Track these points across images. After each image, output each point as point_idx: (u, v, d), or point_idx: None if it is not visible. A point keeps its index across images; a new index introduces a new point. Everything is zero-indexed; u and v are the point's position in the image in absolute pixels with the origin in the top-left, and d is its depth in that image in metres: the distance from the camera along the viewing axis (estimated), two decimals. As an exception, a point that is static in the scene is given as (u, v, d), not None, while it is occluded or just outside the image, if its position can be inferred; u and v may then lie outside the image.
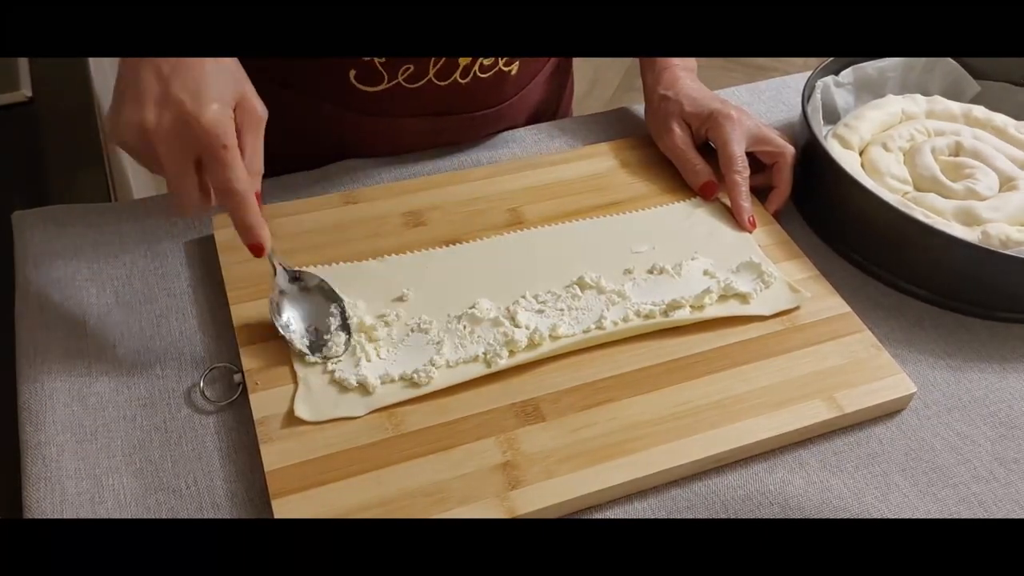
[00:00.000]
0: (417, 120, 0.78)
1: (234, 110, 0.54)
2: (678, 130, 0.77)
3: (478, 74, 0.76)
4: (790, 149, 0.76)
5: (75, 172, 0.86)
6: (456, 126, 0.80)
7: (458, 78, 0.75)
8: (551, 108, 0.91)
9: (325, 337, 0.61)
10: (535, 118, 0.88)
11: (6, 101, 0.89)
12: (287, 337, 0.61)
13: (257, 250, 0.56)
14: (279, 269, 0.62)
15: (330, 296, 0.63)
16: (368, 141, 0.79)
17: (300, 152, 0.78)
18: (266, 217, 0.56)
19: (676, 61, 0.80)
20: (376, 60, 0.72)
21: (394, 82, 0.74)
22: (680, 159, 0.77)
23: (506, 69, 0.78)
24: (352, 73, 0.73)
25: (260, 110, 0.55)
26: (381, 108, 0.76)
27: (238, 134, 0.53)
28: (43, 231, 0.70)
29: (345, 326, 0.62)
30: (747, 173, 0.75)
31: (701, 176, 0.76)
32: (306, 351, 0.60)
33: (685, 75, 0.79)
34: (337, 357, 0.60)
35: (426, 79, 0.74)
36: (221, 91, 0.52)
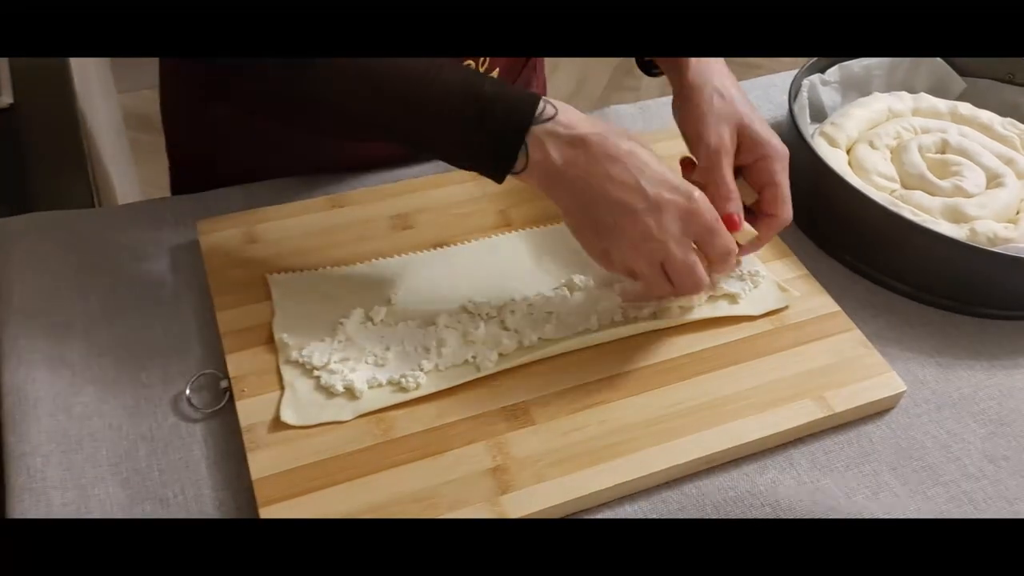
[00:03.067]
0: None
1: None
2: (727, 141, 0.64)
3: None
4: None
5: (58, 179, 0.85)
6: None
7: None
8: None
9: None
10: None
11: (-12, 107, 0.88)
12: None
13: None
14: None
15: None
16: (352, 160, 0.78)
17: (283, 172, 0.77)
18: None
19: None
20: None
21: None
22: (716, 175, 0.63)
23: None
24: None
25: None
26: None
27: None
28: (26, 239, 0.69)
29: None
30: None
31: (732, 204, 0.63)
32: None
33: (718, 65, 0.68)
34: None
35: None
36: (674, 174, 0.59)
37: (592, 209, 0.58)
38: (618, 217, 0.57)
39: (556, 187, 0.58)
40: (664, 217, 0.57)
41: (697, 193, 0.58)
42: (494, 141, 0.57)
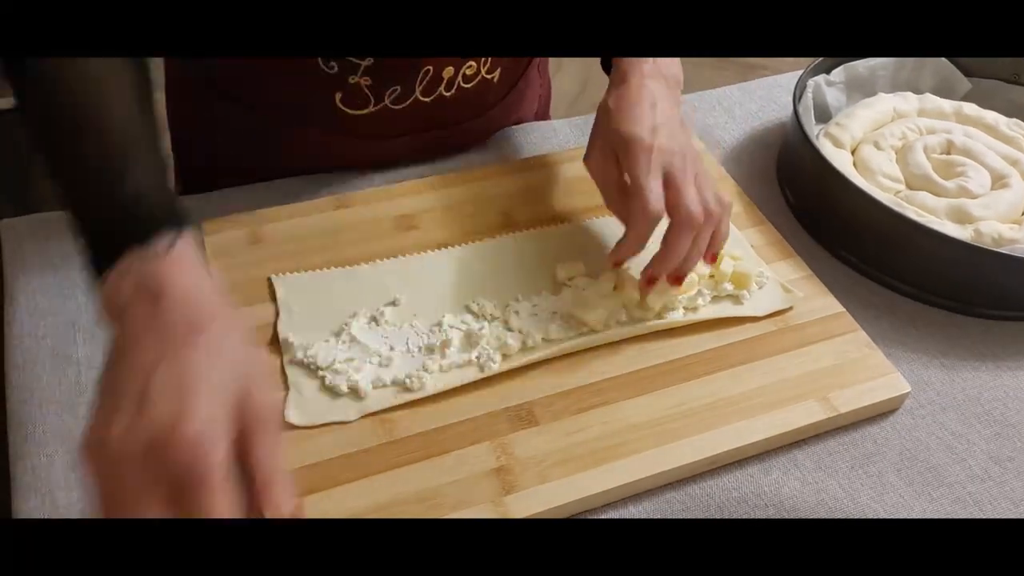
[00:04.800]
0: (404, 139, 0.77)
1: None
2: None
3: (462, 84, 0.75)
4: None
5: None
6: (442, 140, 0.79)
7: (443, 91, 0.74)
8: (530, 112, 0.91)
9: None
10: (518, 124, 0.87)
11: (-6, 108, 0.88)
12: None
13: None
14: None
15: None
16: (355, 163, 0.78)
17: (286, 173, 0.77)
18: None
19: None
20: (362, 82, 0.71)
21: (380, 105, 0.73)
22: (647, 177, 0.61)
23: (488, 76, 0.77)
24: (338, 96, 0.72)
25: (270, 408, 0.43)
26: (368, 130, 0.75)
27: (244, 441, 0.41)
28: (32, 239, 0.69)
29: None
30: None
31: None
32: None
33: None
34: None
35: (412, 98, 0.73)
36: (213, 389, 0.40)
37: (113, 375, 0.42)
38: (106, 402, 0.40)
39: (112, 322, 0.44)
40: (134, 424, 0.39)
41: (200, 417, 0.39)
42: (88, 241, 0.47)
